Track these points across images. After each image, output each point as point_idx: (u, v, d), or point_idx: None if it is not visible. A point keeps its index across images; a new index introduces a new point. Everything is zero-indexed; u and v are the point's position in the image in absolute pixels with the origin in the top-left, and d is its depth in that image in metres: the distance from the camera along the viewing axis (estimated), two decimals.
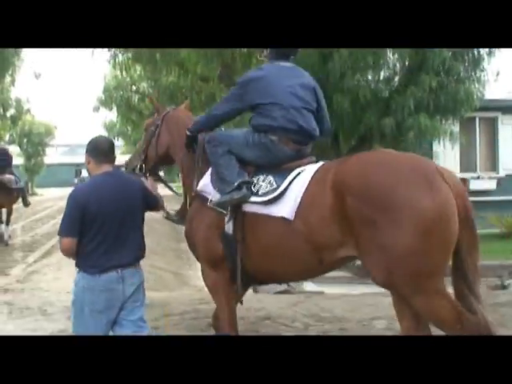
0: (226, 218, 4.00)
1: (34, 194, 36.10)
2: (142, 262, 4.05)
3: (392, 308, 3.83)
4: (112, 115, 31.70)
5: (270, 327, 6.03)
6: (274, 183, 3.86)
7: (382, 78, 11.29)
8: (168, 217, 4.84)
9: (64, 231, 3.76)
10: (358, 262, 3.70)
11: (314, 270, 3.92)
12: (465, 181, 15.26)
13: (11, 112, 31.40)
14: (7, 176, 11.84)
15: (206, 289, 4.49)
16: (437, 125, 10.60)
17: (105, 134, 33.13)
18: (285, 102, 4.01)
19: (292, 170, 3.89)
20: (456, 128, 12.54)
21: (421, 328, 3.61)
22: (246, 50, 16.53)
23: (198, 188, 4.28)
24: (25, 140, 39.50)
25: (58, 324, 6.11)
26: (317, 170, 3.76)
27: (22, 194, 12.56)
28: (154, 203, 4.21)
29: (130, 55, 18.26)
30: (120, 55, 18.50)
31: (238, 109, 4.27)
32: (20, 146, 39.00)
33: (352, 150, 10.75)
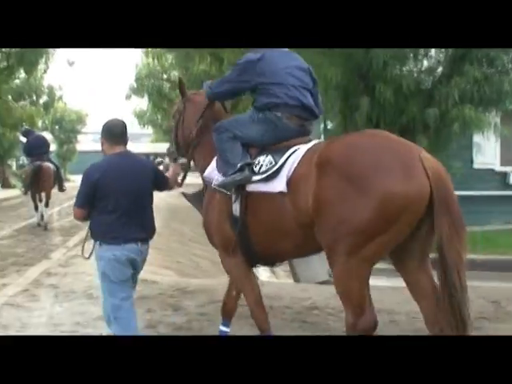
0: (232, 200, 4.14)
1: (66, 180, 36.50)
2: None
3: None
4: (143, 103, 31.87)
5: (318, 317, 5.93)
6: (273, 161, 3.98)
7: (424, 68, 11.07)
8: (184, 194, 5.03)
9: (76, 203, 4.17)
10: None
11: (305, 247, 4.01)
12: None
13: (44, 99, 31.74)
14: (46, 163, 12.31)
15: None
16: (482, 116, 10.38)
17: (135, 121, 33.30)
18: (284, 80, 4.15)
19: (290, 147, 3.99)
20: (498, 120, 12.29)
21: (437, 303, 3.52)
22: None
23: (205, 174, 4.45)
24: (57, 127, 39.97)
25: None
26: (310, 148, 3.88)
27: (59, 179, 12.86)
28: (163, 184, 4.45)
29: None
30: None
31: (238, 88, 4.44)
32: (52, 133, 39.43)
33: None
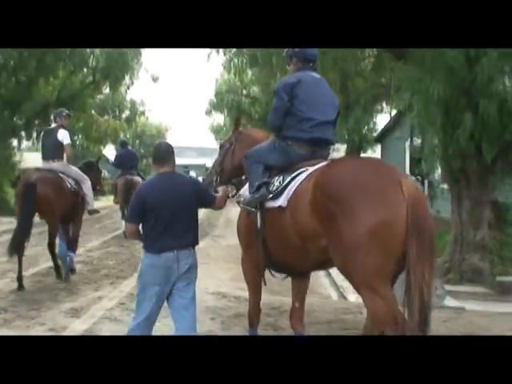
0: (256, 215, 4.80)
1: None
2: None
3: None
4: (220, 118, 32.20)
5: None
6: (283, 181, 4.61)
7: None
8: (238, 202, 5.43)
9: (127, 218, 4.83)
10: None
11: (306, 260, 4.47)
12: None
13: (126, 113, 32.55)
14: (136, 177, 12.70)
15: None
16: None
17: (211, 136, 33.55)
18: (311, 114, 4.76)
19: (299, 169, 4.57)
20: None
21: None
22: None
23: (240, 193, 5.25)
24: (137, 141, 40.89)
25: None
26: (314, 169, 4.39)
27: None
28: (208, 203, 4.92)
29: (245, 59, 18.43)
30: (235, 59, 18.70)
31: (283, 111, 4.86)
32: (133, 147, 40.32)
33: (496, 159, 10.06)
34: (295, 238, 4.32)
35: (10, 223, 17.34)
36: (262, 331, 5.86)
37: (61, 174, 8.47)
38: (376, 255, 3.74)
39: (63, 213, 8.28)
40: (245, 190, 5.08)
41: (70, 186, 8.47)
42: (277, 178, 4.71)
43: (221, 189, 5.15)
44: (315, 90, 4.84)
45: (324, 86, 5.00)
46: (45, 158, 8.70)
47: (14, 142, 23.87)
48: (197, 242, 4.75)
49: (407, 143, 20.40)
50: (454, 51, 8.88)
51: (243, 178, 5.48)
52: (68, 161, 8.77)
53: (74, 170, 8.93)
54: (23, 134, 23.93)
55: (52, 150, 8.60)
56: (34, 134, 23.83)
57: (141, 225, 4.64)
